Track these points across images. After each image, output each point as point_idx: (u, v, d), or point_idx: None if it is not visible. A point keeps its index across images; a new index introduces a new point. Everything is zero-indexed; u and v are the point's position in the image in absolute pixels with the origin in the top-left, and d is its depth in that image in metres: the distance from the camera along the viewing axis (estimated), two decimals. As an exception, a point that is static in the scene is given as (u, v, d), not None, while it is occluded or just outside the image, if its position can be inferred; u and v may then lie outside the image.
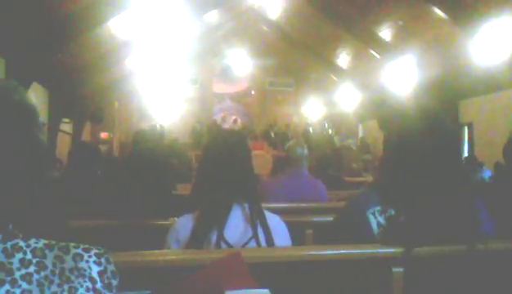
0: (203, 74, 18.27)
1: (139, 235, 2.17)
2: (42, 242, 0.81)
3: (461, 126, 10.91)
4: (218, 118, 17.72)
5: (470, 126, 10.84)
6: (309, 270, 1.58)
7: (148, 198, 2.49)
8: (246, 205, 1.76)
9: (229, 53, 17.76)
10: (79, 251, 0.82)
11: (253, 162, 1.90)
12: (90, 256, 0.82)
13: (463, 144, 10.68)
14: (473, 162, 7.99)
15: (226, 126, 16.65)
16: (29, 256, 0.78)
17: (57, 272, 0.78)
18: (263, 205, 1.83)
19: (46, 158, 0.87)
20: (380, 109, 13.35)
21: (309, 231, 2.59)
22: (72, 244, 0.83)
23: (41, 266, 0.78)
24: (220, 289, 1.20)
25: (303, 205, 3.43)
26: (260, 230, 1.71)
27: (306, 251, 1.70)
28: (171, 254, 1.63)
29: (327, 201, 3.77)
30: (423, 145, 1.59)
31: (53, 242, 0.82)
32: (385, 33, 11.09)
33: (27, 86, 8.44)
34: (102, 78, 12.72)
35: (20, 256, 0.77)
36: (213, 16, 14.40)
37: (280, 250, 1.70)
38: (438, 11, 8.73)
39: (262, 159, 11.80)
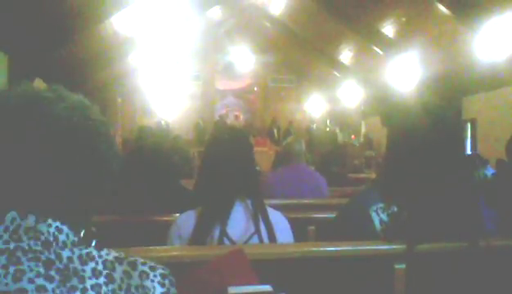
0: (205, 71, 18.25)
1: (142, 231, 2.18)
2: (112, 255, 0.85)
3: (464, 123, 10.89)
4: (222, 114, 17.70)
5: (473, 122, 10.81)
6: (311, 267, 1.58)
7: (152, 192, 2.50)
8: (248, 201, 1.76)
9: (232, 49, 17.72)
10: (146, 268, 0.86)
11: (256, 158, 1.90)
12: (155, 276, 0.86)
13: (466, 141, 10.64)
14: (478, 160, 7.95)
15: (229, 122, 16.63)
16: (100, 267, 0.81)
17: (124, 287, 0.81)
18: (265, 201, 1.83)
19: (109, 169, 0.93)
20: (383, 106, 13.33)
21: (311, 228, 2.59)
22: (140, 260, 0.87)
23: (110, 279, 0.81)
24: (222, 285, 1.20)
25: (306, 201, 3.44)
26: (262, 226, 1.72)
27: (308, 247, 1.71)
28: (173, 250, 1.63)
29: (327, 192, 3.87)
30: (426, 141, 1.59)
31: (122, 256, 0.86)
32: (388, 29, 11.04)
33: (30, 82, 8.44)
34: (105, 75, 12.72)
35: (92, 265, 0.80)
36: (216, 12, 14.38)
37: (282, 246, 1.70)
38: (442, 8, 8.69)
39: (264, 156, 11.79)
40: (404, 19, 10.29)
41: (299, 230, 2.01)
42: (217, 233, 1.66)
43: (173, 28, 12.47)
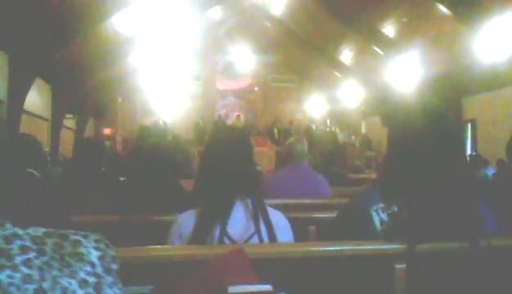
0: (206, 71, 18.27)
1: (142, 231, 2.18)
2: (40, 231, 0.83)
3: (465, 123, 10.89)
4: (221, 114, 17.73)
5: (474, 122, 10.81)
6: (312, 266, 1.58)
7: (155, 192, 2.50)
8: (249, 201, 1.76)
9: (232, 49, 17.74)
10: (78, 237, 0.84)
11: (256, 158, 1.90)
12: (89, 242, 0.84)
13: (466, 141, 10.65)
14: (479, 160, 7.97)
15: (229, 122, 16.65)
16: (28, 243, 0.79)
17: (57, 257, 0.79)
18: (266, 201, 1.83)
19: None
20: (384, 106, 13.34)
21: (312, 227, 2.59)
22: (72, 232, 0.85)
23: (41, 252, 0.79)
24: (223, 285, 1.20)
25: (306, 201, 3.43)
26: (263, 226, 1.71)
27: (308, 247, 1.71)
28: (174, 250, 1.63)
29: (329, 194, 3.81)
30: (426, 142, 1.59)
31: (52, 230, 0.84)
32: (389, 29, 11.05)
33: (30, 81, 8.46)
34: (105, 74, 12.73)
35: (19, 242, 0.78)
36: (216, 12, 14.39)
37: (282, 246, 1.70)
38: (442, 8, 8.70)
39: (264, 156, 11.80)
40: (404, 19, 10.30)
41: (300, 230, 2.01)
42: (217, 232, 1.66)
43: (174, 28, 12.49)
